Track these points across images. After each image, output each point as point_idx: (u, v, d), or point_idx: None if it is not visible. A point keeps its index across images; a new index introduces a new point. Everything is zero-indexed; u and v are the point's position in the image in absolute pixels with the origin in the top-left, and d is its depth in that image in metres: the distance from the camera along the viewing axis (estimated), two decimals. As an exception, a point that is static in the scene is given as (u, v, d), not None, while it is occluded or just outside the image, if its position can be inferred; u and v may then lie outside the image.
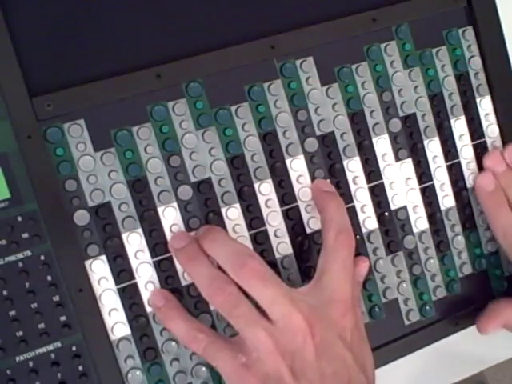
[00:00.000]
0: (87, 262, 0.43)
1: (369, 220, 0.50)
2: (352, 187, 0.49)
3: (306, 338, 0.41)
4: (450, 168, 0.52)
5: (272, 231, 0.47)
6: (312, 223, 0.48)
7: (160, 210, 0.45)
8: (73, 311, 0.43)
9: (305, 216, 0.48)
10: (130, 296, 0.44)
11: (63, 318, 0.43)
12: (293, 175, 0.48)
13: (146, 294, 0.45)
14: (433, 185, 0.51)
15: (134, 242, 0.44)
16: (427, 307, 0.51)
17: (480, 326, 0.51)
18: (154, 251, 0.45)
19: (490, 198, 0.51)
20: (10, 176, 0.42)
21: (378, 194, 0.50)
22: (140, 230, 0.44)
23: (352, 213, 0.49)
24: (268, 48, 0.47)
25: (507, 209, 0.51)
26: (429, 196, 0.51)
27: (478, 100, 0.53)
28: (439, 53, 0.51)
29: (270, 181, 0.47)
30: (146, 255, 0.45)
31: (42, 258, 0.42)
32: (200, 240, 0.44)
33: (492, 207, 0.51)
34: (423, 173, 0.51)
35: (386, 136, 0.50)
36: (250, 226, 0.47)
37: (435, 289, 0.51)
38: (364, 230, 0.50)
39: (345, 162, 0.49)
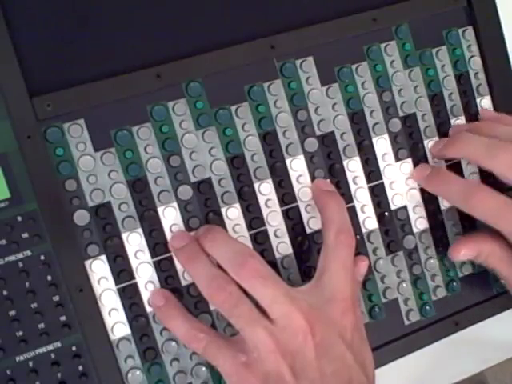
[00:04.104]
0: (87, 262, 0.43)
1: (369, 220, 0.50)
2: (352, 187, 0.49)
3: (307, 338, 0.41)
4: (449, 168, 0.52)
5: (272, 231, 0.47)
6: (312, 223, 0.48)
7: (160, 209, 0.45)
8: (73, 311, 0.43)
9: (305, 216, 0.48)
10: (130, 296, 0.44)
11: (63, 318, 0.43)
12: (293, 175, 0.48)
13: (146, 293, 0.45)
14: (433, 185, 0.51)
15: (134, 242, 0.44)
16: (427, 307, 0.51)
17: (453, 249, 0.50)
18: (154, 251, 0.45)
19: None
20: (10, 176, 0.42)
21: (378, 194, 0.50)
22: (140, 230, 0.44)
23: (352, 213, 0.49)
24: (268, 48, 0.47)
25: None
26: (429, 196, 0.51)
27: (477, 100, 0.52)
28: (439, 53, 0.51)
29: (270, 181, 0.47)
30: (145, 255, 0.45)
31: (42, 257, 0.42)
32: (200, 239, 0.44)
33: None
34: (423, 173, 0.51)
35: (386, 136, 0.50)
36: (250, 226, 0.47)
37: (435, 289, 0.51)
38: (364, 230, 0.50)
39: (345, 162, 0.49)
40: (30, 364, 0.42)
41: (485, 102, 0.52)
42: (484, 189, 0.48)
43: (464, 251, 0.50)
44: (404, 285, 0.51)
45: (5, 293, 0.41)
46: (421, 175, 0.50)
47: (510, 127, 0.49)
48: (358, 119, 0.49)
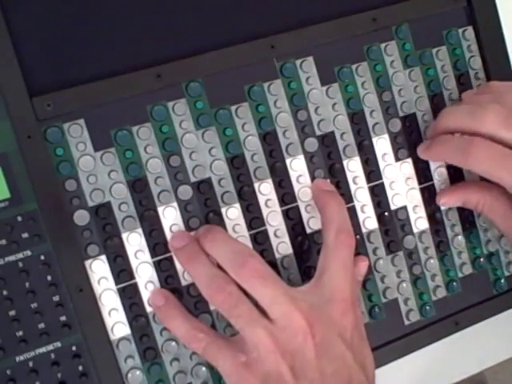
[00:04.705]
0: (87, 262, 0.43)
1: (369, 220, 0.50)
2: (352, 187, 0.49)
3: (307, 338, 0.41)
4: (449, 168, 0.52)
5: (272, 231, 0.47)
6: (312, 223, 0.48)
7: (160, 209, 0.45)
8: (73, 311, 0.43)
9: (305, 216, 0.48)
10: (130, 296, 0.44)
11: (63, 318, 0.43)
12: (293, 175, 0.48)
13: (146, 293, 0.45)
14: (433, 185, 0.51)
15: (134, 242, 0.44)
16: (427, 307, 0.51)
17: (439, 195, 0.51)
18: (154, 251, 0.45)
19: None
20: (10, 176, 0.42)
21: (378, 194, 0.50)
22: (140, 230, 0.44)
23: (352, 213, 0.49)
24: (268, 48, 0.47)
25: None
26: (429, 196, 0.51)
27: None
28: (439, 53, 0.51)
29: (270, 181, 0.47)
30: (145, 255, 0.45)
31: (42, 257, 0.42)
32: (200, 239, 0.44)
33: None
34: (423, 173, 0.51)
35: (386, 136, 0.50)
36: (250, 226, 0.47)
37: (435, 289, 0.51)
38: (364, 230, 0.50)
39: (345, 162, 0.49)
40: (30, 364, 0.42)
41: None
42: (481, 140, 0.47)
43: (446, 199, 0.50)
44: (404, 285, 0.51)
45: (5, 293, 0.41)
46: (421, 150, 0.50)
47: (488, 94, 0.49)
48: (357, 119, 0.49)
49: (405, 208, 0.51)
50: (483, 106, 0.47)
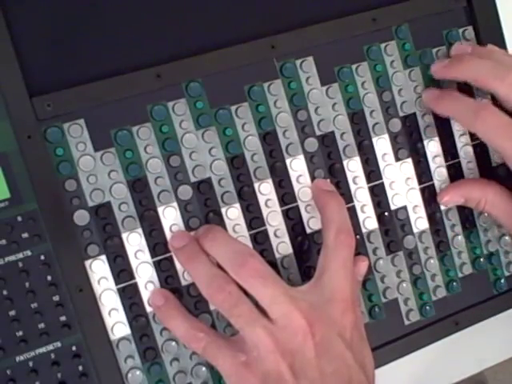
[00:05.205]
0: (87, 262, 0.43)
1: (369, 220, 0.50)
2: (352, 187, 0.49)
3: (306, 337, 0.41)
4: (449, 168, 0.52)
5: (272, 231, 0.47)
6: (312, 223, 0.48)
7: (160, 209, 0.45)
8: (73, 311, 0.43)
9: (305, 216, 0.48)
10: (130, 296, 0.44)
11: (63, 318, 0.43)
12: (293, 175, 0.48)
13: (146, 293, 0.45)
14: (433, 185, 0.51)
15: (134, 242, 0.44)
16: (427, 307, 0.51)
17: (441, 193, 0.51)
18: (154, 251, 0.45)
19: None
20: (10, 176, 0.42)
21: (378, 194, 0.50)
22: (140, 230, 0.44)
23: (352, 213, 0.49)
24: (268, 48, 0.47)
25: None
26: (429, 196, 0.51)
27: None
28: (439, 53, 0.51)
29: (270, 181, 0.47)
30: (146, 255, 0.45)
31: (42, 258, 0.42)
32: (200, 239, 0.44)
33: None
34: (423, 173, 0.51)
35: (386, 136, 0.50)
36: (250, 226, 0.47)
37: (435, 289, 0.51)
38: (364, 230, 0.50)
39: (345, 162, 0.49)
40: (30, 364, 0.42)
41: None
42: (493, 107, 0.47)
43: (448, 197, 0.50)
44: (404, 285, 0.51)
45: (5, 293, 0.41)
46: (430, 97, 0.50)
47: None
48: (357, 119, 0.49)
49: (405, 208, 0.51)
50: (508, 67, 0.47)
